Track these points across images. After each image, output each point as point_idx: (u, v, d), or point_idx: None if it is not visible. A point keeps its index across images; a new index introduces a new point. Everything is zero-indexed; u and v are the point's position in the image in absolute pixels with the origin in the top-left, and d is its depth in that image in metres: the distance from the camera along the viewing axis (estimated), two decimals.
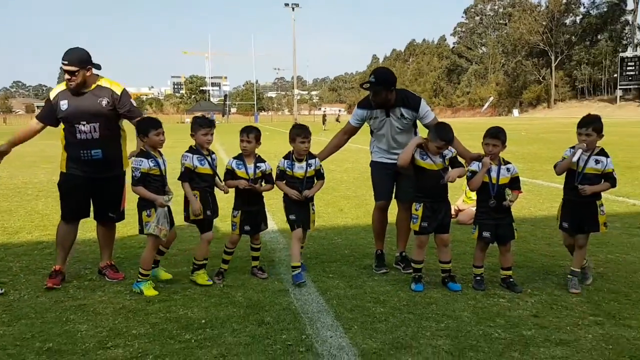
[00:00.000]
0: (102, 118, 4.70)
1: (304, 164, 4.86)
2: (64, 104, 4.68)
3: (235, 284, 4.78)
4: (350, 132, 5.37)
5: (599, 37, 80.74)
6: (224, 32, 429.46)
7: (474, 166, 4.64)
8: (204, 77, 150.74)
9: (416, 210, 4.63)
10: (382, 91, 4.85)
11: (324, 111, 73.46)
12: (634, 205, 8.29)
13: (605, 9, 79.19)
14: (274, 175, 4.99)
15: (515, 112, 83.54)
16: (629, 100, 72.58)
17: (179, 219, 4.97)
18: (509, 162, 4.68)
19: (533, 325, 3.80)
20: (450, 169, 4.62)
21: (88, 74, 4.67)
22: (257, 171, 4.85)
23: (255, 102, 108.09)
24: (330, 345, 3.52)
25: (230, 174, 4.85)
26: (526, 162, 14.58)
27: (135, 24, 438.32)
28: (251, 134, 4.82)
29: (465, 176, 4.73)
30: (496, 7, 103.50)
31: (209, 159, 4.76)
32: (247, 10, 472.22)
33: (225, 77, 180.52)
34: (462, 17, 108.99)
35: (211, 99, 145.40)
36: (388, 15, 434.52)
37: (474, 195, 7.47)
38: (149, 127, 4.56)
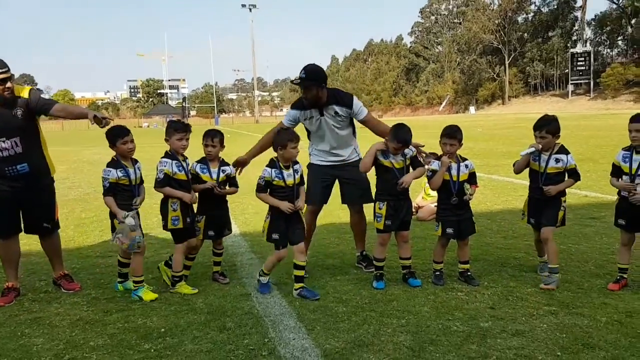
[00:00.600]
0: (21, 131, 4.45)
1: (291, 170, 4.51)
2: None
3: (198, 290, 4.71)
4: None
5: (550, 33, 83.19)
6: (180, 33, 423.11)
7: (434, 165, 4.71)
8: (162, 80, 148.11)
9: (380, 209, 4.67)
10: (313, 87, 4.79)
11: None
12: (585, 197, 8.59)
13: (555, 6, 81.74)
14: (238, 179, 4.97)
15: (472, 109, 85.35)
16: (580, 94, 75.07)
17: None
18: (466, 159, 4.79)
19: (490, 317, 3.90)
20: (411, 168, 4.68)
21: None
22: (222, 175, 4.78)
23: (215, 104, 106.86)
24: (294, 347, 3.52)
25: (194, 178, 4.73)
26: (482, 158, 14.92)
27: (87, 27, 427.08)
28: (215, 138, 4.73)
29: (425, 174, 4.81)
30: (450, 6, 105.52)
31: (184, 164, 4.67)
32: (204, 11, 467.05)
33: (184, 80, 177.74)
34: (418, 16, 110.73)
35: (169, 102, 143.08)
36: (347, 15, 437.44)
37: (432, 192, 7.65)
38: (115, 137, 4.48)
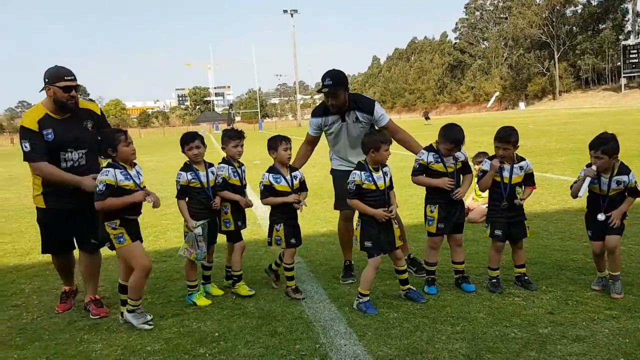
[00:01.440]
0: (90, 143, 4.37)
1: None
2: (48, 133, 4.24)
3: (242, 295, 4.75)
4: (311, 142, 5.28)
5: (600, 26, 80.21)
6: (225, 41, 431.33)
7: (485, 165, 4.57)
8: (208, 88, 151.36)
9: (431, 212, 4.56)
10: (341, 92, 4.80)
11: None
12: None
13: None
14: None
15: (522, 105, 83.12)
16: (634, 88, 71.92)
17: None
18: (522, 159, 4.59)
19: (549, 323, 3.76)
20: (461, 173, 4.58)
21: None
22: (295, 181, 4.70)
23: (259, 110, 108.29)
24: (345, 353, 3.49)
25: (269, 189, 4.63)
26: (535, 155, 14.47)
27: (137, 39, 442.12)
28: (290, 142, 4.68)
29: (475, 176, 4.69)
30: (496, 1, 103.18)
31: (239, 170, 4.79)
32: (246, 19, 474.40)
33: (229, 87, 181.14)
34: (463, 12, 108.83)
35: (216, 109, 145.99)
36: (387, 15, 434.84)
37: (484, 192, 7.47)
38: (182, 144, 4.68)
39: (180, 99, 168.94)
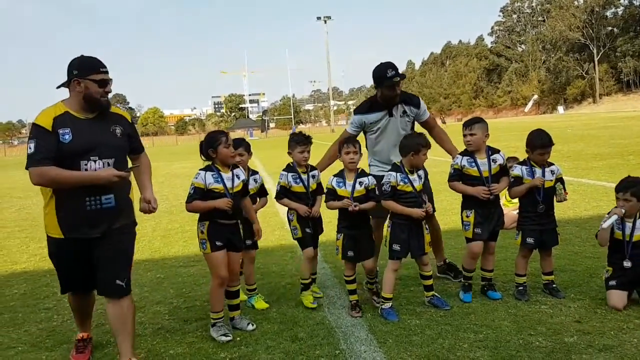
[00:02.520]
0: (118, 152, 3.47)
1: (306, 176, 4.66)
2: (65, 133, 3.28)
3: (270, 299, 4.79)
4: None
5: None
6: (259, 48, 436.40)
7: (517, 170, 4.48)
8: (243, 95, 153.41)
9: (467, 217, 4.48)
10: (401, 81, 4.81)
11: (347, 121, 78.13)
12: None
13: None
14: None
15: (560, 109, 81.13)
16: None
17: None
18: (552, 164, 4.50)
19: (575, 332, 3.66)
20: (499, 177, 4.49)
21: None
22: (360, 187, 4.36)
23: (292, 116, 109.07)
24: (365, 359, 3.47)
25: (332, 193, 4.40)
26: (571, 160, 14.10)
27: (173, 47, 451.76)
28: (357, 144, 4.44)
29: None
30: (533, 4, 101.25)
31: (304, 177, 4.60)
32: (280, 26, 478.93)
33: (263, 93, 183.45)
34: (499, 15, 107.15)
35: (250, 116, 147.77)
36: (421, 19, 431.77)
37: (514, 199, 7.31)
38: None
39: (216, 106, 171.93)
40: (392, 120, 4.88)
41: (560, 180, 4.47)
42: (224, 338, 3.94)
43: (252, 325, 4.14)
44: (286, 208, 4.75)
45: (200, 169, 4.00)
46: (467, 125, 4.46)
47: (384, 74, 4.70)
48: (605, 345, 3.42)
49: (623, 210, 4.09)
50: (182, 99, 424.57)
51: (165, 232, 8.55)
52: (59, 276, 3.70)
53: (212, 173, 3.95)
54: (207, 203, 3.93)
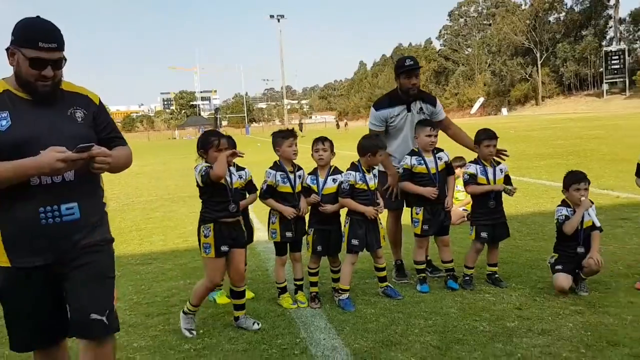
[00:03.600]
0: (77, 144, 2.34)
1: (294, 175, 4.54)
2: (2, 118, 2.37)
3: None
4: None
5: (583, 32, 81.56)
6: (211, 46, 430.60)
7: (472, 169, 4.77)
8: (194, 92, 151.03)
9: (417, 214, 4.77)
10: (419, 73, 5.03)
11: (300, 120, 79.84)
12: (617, 197, 8.50)
13: (588, 4, 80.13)
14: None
15: (504, 111, 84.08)
16: (615, 93, 73.16)
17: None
18: (500, 162, 4.87)
19: (516, 317, 3.99)
20: (445, 174, 4.80)
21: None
22: (333, 185, 4.52)
23: (245, 114, 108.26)
24: (324, 347, 3.68)
25: (306, 190, 4.55)
26: (514, 160, 14.74)
27: (121, 41, 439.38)
28: (326, 142, 4.55)
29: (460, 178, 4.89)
30: (480, 8, 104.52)
31: (292, 176, 4.46)
32: (233, 24, 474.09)
33: (215, 91, 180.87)
34: (447, 19, 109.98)
35: (202, 113, 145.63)
36: (373, 21, 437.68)
37: (460, 195, 7.72)
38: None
39: (166, 103, 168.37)
40: (409, 116, 5.07)
41: (507, 177, 4.83)
42: (187, 333, 4.01)
43: (258, 324, 4.09)
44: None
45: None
46: (432, 126, 4.74)
47: (403, 62, 5.03)
48: (544, 329, 3.76)
49: (588, 201, 4.43)
50: (129, 94, 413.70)
51: (119, 230, 8.49)
52: (8, 325, 2.55)
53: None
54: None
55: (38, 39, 2.33)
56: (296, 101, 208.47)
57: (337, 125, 66.45)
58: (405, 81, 4.97)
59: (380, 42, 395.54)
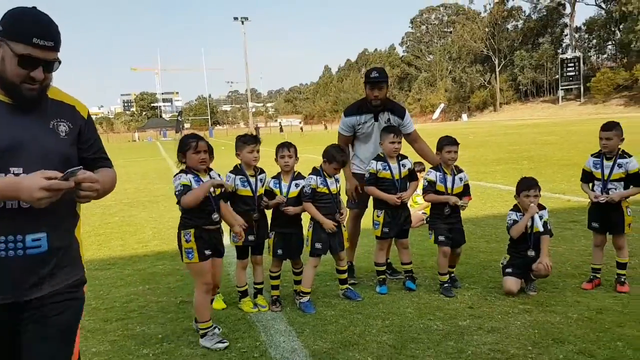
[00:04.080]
0: (57, 162, 2.01)
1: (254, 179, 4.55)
2: None
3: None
4: (348, 143, 5.29)
5: (540, 40, 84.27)
6: (173, 47, 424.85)
7: (431, 175, 4.87)
8: (155, 94, 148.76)
9: (377, 216, 4.89)
10: (385, 86, 5.08)
11: (256, 124, 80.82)
12: (568, 201, 8.87)
13: (544, 13, 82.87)
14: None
15: (464, 116, 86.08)
16: (571, 99, 75.95)
17: None
18: (461, 170, 4.98)
19: (468, 316, 4.15)
20: (408, 180, 4.93)
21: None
22: (295, 189, 4.58)
23: (209, 117, 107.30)
24: (284, 349, 3.75)
25: (268, 194, 4.59)
26: (472, 165, 15.21)
27: (80, 40, 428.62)
28: (291, 148, 4.61)
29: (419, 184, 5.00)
30: (440, 15, 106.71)
31: (253, 180, 4.47)
32: (196, 25, 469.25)
33: (177, 93, 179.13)
34: (409, 27, 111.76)
35: (163, 115, 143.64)
36: (339, 26, 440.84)
37: (419, 199, 7.91)
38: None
39: (126, 104, 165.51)
40: (376, 125, 5.15)
41: (466, 186, 4.97)
42: (220, 345, 3.81)
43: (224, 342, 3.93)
44: None
45: (180, 171, 3.88)
46: (397, 133, 4.85)
47: (369, 74, 5.12)
48: (493, 327, 3.93)
49: (535, 207, 4.63)
50: (88, 96, 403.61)
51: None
52: None
53: (192, 176, 3.80)
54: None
55: (33, 33, 1.95)
56: (261, 104, 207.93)
57: (301, 129, 71.64)
58: (369, 92, 5.08)
59: (345, 46, 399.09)
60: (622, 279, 4.62)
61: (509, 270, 4.66)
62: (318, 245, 4.56)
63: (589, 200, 4.82)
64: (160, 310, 4.67)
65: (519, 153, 18.22)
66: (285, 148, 4.59)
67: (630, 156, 4.62)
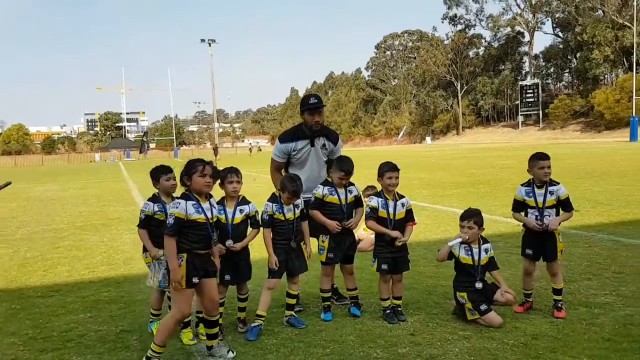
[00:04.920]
0: None
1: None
2: None
3: (132, 328, 4.83)
4: (281, 169, 5.38)
5: (500, 67, 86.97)
6: (139, 66, 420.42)
7: (373, 202, 4.86)
8: (120, 113, 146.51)
9: (323, 242, 4.91)
10: (323, 112, 5.19)
11: (215, 144, 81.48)
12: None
13: (504, 41, 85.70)
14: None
15: (428, 139, 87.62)
16: (530, 125, 78.22)
17: None
18: (403, 196, 4.99)
19: (409, 343, 4.19)
20: (354, 206, 4.96)
21: None
22: (240, 215, 4.55)
23: (174, 137, 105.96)
24: None
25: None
26: (430, 188, 15.45)
27: (44, 61, 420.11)
28: (239, 174, 4.57)
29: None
30: (404, 42, 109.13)
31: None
32: (163, 45, 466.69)
33: (143, 112, 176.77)
34: (374, 52, 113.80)
35: (128, 135, 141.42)
36: (306, 48, 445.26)
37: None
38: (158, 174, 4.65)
39: (90, 124, 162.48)
40: (312, 150, 5.23)
41: (409, 211, 4.98)
42: None
43: (233, 352, 4.09)
44: None
45: (178, 197, 3.92)
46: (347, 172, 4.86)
47: (308, 100, 5.20)
48: (432, 354, 3.96)
49: (467, 237, 4.72)
50: (50, 115, 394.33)
51: (23, 260, 8.09)
52: None
53: (192, 202, 3.84)
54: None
55: None
56: (229, 124, 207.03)
57: (250, 150, 77.14)
58: (309, 118, 5.15)
59: (313, 69, 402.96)
60: (559, 305, 4.74)
61: (484, 307, 4.55)
62: (274, 268, 4.62)
63: (522, 228, 4.93)
64: (99, 340, 4.54)
65: (477, 177, 18.61)
66: (234, 174, 4.55)
67: (558, 183, 4.80)
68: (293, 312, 4.78)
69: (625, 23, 62.37)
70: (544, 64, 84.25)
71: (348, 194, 4.92)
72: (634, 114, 49.56)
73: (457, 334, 4.35)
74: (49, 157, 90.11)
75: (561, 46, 79.60)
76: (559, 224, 4.78)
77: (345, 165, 4.85)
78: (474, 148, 47.77)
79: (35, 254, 8.52)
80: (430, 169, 22.89)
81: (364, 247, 7.62)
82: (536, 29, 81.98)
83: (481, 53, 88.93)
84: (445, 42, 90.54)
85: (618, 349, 3.88)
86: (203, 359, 4.09)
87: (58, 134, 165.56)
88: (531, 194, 4.81)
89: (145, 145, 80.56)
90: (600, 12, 68.08)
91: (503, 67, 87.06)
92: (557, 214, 4.79)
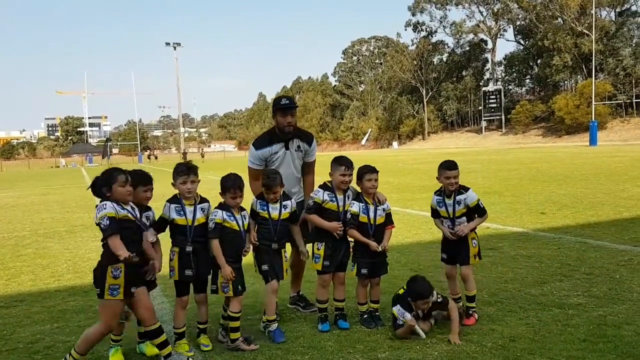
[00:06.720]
0: None
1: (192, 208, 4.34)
2: None
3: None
4: (258, 177, 5.00)
5: (464, 73, 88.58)
6: (102, 70, 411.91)
7: (355, 207, 4.74)
8: (82, 118, 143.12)
9: (318, 249, 4.73)
10: (296, 113, 5.11)
11: (184, 150, 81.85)
12: (487, 229, 9.19)
13: (467, 48, 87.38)
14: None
15: (395, 144, 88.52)
16: (493, 130, 79.83)
17: None
18: (383, 202, 4.88)
19: (388, 348, 4.16)
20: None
21: None
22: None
23: (138, 142, 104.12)
24: None
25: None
26: (400, 192, 15.56)
27: (1, 63, 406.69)
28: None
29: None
30: (371, 47, 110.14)
31: (190, 209, 4.26)
32: (126, 48, 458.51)
33: (106, 117, 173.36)
34: (341, 57, 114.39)
35: (90, 140, 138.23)
36: (274, 52, 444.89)
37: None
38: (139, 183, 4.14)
39: (50, 129, 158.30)
40: (287, 153, 5.14)
41: (388, 215, 4.90)
42: None
43: None
44: None
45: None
46: (347, 166, 4.75)
47: (279, 101, 5.10)
48: (411, 358, 3.95)
49: (414, 322, 4.36)
50: (9, 120, 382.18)
51: None
52: None
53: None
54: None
55: None
56: (194, 129, 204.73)
57: (202, 155, 75.70)
58: (282, 119, 5.07)
59: (280, 74, 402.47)
60: (470, 312, 4.75)
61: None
62: (265, 267, 4.53)
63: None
64: (67, 351, 4.30)
65: None
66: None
67: (467, 190, 4.83)
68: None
69: (584, 31, 64.40)
70: (506, 70, 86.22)
71: (347, 199, 4.81)
72: (593, 119, 51.20)
73: (436, 337, 4.36)
74: (8, 163, 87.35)
75: (523, 53, 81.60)
76: (471, 230, 4.83)
77: (344, 159, 4.75)
78: (440, 153, 48.40)
79: None
80: (399, 174, 23.09)
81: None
82: (498, 36, 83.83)
83: (445, 59, 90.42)
84: (411, 48, 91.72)
85: (594, 350, 3.94)
86: None
87: (17, 139, 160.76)
88: (442, 204, 4.86)
89: (109, 150, 78.76)
90: (560, 20, 70.02)
91: (466, 73, 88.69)
92: (471, 220, 4.84)
